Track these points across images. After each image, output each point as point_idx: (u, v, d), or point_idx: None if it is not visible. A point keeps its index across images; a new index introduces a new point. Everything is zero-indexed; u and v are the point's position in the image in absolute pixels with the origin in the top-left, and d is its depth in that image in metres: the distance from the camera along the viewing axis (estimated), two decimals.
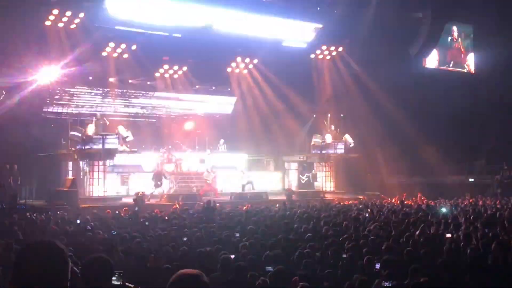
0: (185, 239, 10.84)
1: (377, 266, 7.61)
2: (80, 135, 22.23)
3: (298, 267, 7.79)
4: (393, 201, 23.62)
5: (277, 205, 20.35)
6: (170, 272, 7.24)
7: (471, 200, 22.95)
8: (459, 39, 34.74)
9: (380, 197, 25.77)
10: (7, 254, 8.38)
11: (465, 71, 35.01)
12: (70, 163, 24.07)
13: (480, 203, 21.60)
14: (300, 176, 28.11)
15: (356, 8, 26.48)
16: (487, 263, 7.88)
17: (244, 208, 18.68)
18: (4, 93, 22.52)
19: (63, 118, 25.72)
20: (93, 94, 27.14)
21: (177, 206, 19.45)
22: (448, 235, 10.83)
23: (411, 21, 28.71)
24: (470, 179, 30.63)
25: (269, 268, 7.55)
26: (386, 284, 6.75)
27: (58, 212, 17.25)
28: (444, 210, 18.05)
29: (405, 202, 21.40)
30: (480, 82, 32.40)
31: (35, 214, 16.06)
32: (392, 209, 17.80)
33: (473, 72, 34.79)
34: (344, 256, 8.70)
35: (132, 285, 5.47)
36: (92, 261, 3.76)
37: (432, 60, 33.04)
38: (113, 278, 4.05)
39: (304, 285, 6.35)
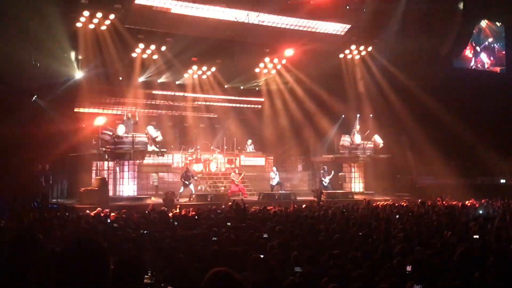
0: (214, 238, 10.86)
1: (408, 268, 7.51)
2: (110, 135, 22.48)
3: (327, 268, 7.75)
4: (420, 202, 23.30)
5: (303, 206, 20.26)
6: (199, 272, 7.29)
7: (502, 201, 22.48)
8: (491, 39, 34.20)
9: (410, 200, 25.43)
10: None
11: (498, 70, 34.44)
12: (101, 163, 24.34)
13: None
14: (322, 179, 27.89)
15: (385, 7, 26.22)
16: None
17: (272, 209, 18.58)
18: None
19: (94, 118, 26.02)
20: (123, 94, 27.43)
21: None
22: (476, 236, 10.62)
23: (442, 20, 28.31)
24: (502, 180, 30.12)
25: (298, 269, 7.52)
26: (417, 287, 6.66)
27: (88, 212, 17.45)
28: (481, 211, 17.79)
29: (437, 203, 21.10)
30: (510, 81, 31.82)
31: (67, 213, 16.30)
32: (423, 211, 17.58)
33: (505, 71, 34.20)
34: (374, 257, 8.62)
35: (163, 285, 5.52)
36: (125, 261, 3.79)
37: (463, 59, 32.62)
38: (145, 277, 4.09)
39: (333, 286, 6.31)
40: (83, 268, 2.56)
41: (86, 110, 26.67)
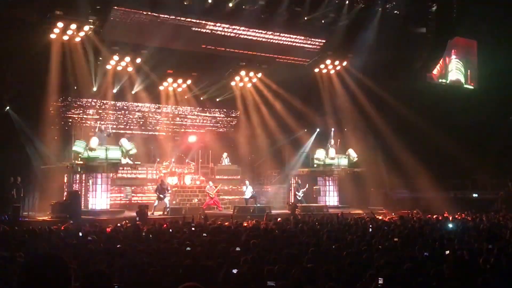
0: (188, 248, 10.81)
1: (380, 281, 7.54)
2: (83, 147, 22.24)
3: (300, 282, 7.72)
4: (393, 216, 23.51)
5: (278, 219, 20.24)
6: (173, 286, 7.21)
7: (474, 216, 22.78)
8: (462, 54, 34.85)
9: (385, 212, 25.63)
10: (11, 267, 8.33)
11: (469, 86, 35.06)
12: (73, 176, 24.04)
13: (484, 218, 21.44)
14: (296, 193, 28.00)
15: (359, 23, 26.52)
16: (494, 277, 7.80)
17: (245, 224, 18.49)
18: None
19: (67, 130, 25.76)
20: (96, 107, 27.21)
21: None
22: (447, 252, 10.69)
23: (415, 36, 28.76)
24: (474, 195, 30.53)
25: (271, 283, 7.48)
26: None
27: (59, 225, 17.18)
28: (450, 225, 17.96)
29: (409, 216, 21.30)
30: (483, 96, 32.39)
31: (39, 227, 16.04)
32: (394, 224, 17.70)
33: (476, 86, 34.82)
34: (347, 270, 8.63)
35: None
36: (91, 275, 3.74)
37: (435, 74, 33.16)
38: None
39: None
40: (44, 284, 2.51)
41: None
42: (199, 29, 24.60)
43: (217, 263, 9.00)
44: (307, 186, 28.18)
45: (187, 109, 30.01)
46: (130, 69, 25.69)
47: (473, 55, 35.16)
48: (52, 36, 22.42)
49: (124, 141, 23.37)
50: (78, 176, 23.76)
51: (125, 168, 24.49)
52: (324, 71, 29.52)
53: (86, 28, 22.66)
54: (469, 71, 35.01)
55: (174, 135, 30.11)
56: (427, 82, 32.13)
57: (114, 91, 26.96)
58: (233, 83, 29.55)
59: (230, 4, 23.86)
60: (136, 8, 22.71)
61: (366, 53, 27.06)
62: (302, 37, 27.05)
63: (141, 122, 29.08)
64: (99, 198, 22.73)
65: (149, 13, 22.94)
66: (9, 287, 7.23)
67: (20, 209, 20.09)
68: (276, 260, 9.49)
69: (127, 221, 18.42)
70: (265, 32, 25.94)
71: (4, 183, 21.74)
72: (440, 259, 9.86)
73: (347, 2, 26.01)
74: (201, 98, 29.73)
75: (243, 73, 29.04)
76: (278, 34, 26.22)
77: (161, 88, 28.38)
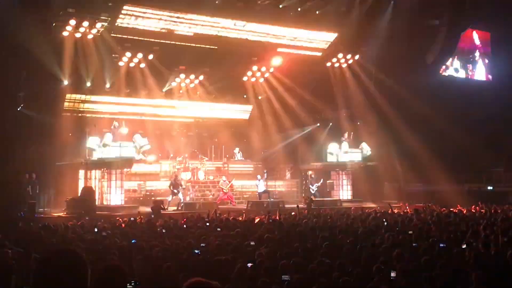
0: (202, 244, 10.84)
1: (393, 274, 7.53)
2: (98, 143, 22.34)
3: (315, 276, 7.73)
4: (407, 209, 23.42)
5: (292, 213, 20.23)
6: (186, 280, 7.25)
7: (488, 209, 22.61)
8: (477, 48, 34.53)
9: (400, 205, 25.50)
10: (26, 263, 8.42)
11: (483, 79, 34.76)
12: (88, 172, 24.19)
13: (499, 211, 21.28)
14: (310, 186, 27.96)
15: (371, 16, 26.38)
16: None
17: (257, 220, 18.43)
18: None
19: (81, 127, 25.91)
20: (110, 103, 27.31)
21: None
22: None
23: (428, 29, 28.54)
24: (489, 188, 30.32)
25: (286, 277, 7.49)
26: None
27: (75, 221, 17.31)
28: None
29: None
30: (497, 89, 32.10)
31: (55, 223, 16.16)
32: (409, 217, 17.62)
33: (491, 79, 34.51)
34: (361, 264, 8.63)
35: None
36: (106, 270, 3.77)
37: (448, 68, 32.91)
38: (129, 286, 4.05)
39: None
40: (60, 279, 2.53)
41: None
42: (211, 24, 24.60)
43: (232, 258, 9.03)
44: (322, 181, 28.14)
45: (199, 104, 30.00)
46: (142, 65, 25.75)
47: (487, 47, 34.83)
48: (65, 33, 22.54)
49: (137, 137, 23.51)
50: (92, 172, 23.90)
51: (139, 164, 24.60)
52: (336, 65, 29.36)
53: (99, 25, 22.75)
54: (483, 63, 34.69)
55: (187, 130, 30.16)
56: (440, 75, 31.88)
57: (127, 87, 27.05)
58: (245, 78, 29.52)
59: None
60: (147, 4, 22.75)
61: (379, 46, 26.90)
62: (314, 31, 26.94)
63: (154, 118, 29.13)
64: (114, 194, 22.89)
65: (160, 11, 23.01)
66: (26, 283, 7.31)
67: (35, 206, 20.27)
68: (291, 254, 9.50)
69: (141, 216, 18.50)
70: (277, 26, 25.87)
71: (20, 180, 21.90)
72: (456, 252, 9.82)
73: None
74: (213, 94, 29.73)
75: (255, 68, 29.01)
76: (290, 28, 26.13)
77: (173, 84, 28.40)
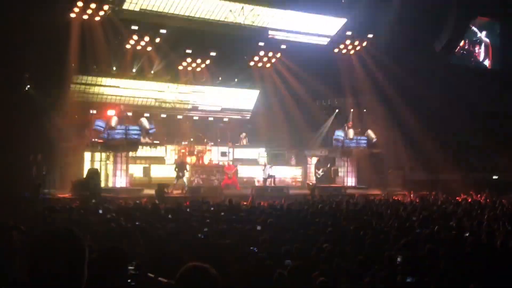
0: (206, 229, 10.85)
1: (399, 259, 7.52)
2: (103, 126, 22.37)
3: (317, 262, 7.73)
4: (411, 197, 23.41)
5: (296, 199, 20.24)
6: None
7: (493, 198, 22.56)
8: (485, 35, 34.24)
9: (405, 193, 25.48)
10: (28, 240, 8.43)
11: (491, 67, 34.52)
12: (94, 154, 24.25)
13: (504, 201, 21.21)
14: (316, 170, 28.00)
15: (380, 1, 26.18)
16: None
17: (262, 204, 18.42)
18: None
19: (87, 109, 25.96)
20: (116, 86, 27.29)
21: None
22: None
23: (437, 15, 28.32)
24: (494, 176, 30.21)
25: (288, 262, 7.50)
26: (409, 280, 6.67)
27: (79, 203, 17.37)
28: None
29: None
30: (505, 77, 31.89)
31: (59, 204, 16.22)
32: (414, 205, 17.61)
33: (500, 67, 34.27)
34: (364, 251, 8.62)
35: (152, 275, 5.49)
36: (108, 251, 3.77)
37: (457, 55, 32.70)
38: (130, 268, 4.06)
39: (323, 280, 6.29)
40: (54, 258, 2.51)
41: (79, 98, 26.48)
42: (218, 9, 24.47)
43: (235, 242, 9.06)
44: (328, 165, 28.15)
45: (206, 88, 29.94)
46: (149, 48, 25.68)
47: (496, 36, 34.54)
48: (72, 15, 22.49)
49: (144, 120, 23.51)
50: (98, 154, 23.93)
51: (144, 147, 24.63)
52: (344, 51, 29.23)
53: (106, 7, 22.68)
54: (492, 52, 34.43)
55: (193, 114, 30.14)
56: (448, 63, 31.65)
57: (134, 70, 27.03)
58: (252, 63, 29.41)
59: None
60: None
61: (387, 33, 26.72)
62: (322, 17, 26.76)
63: (160, 102, 29.13)
64: (119, 176, 22.94)
65: None
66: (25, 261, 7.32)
67: (40, 187, 20.31)
68: (294, 239, 9.51)
69: (146, 199, 18.54)
70: (285, 11, 25.71)
71: (25, 161, 21.94)
72: (459, 241, 9.80)
73: None
74: (220, 78, 29.65)
75: (262, 53, 28.88)
76: (297, 13, 25.98)
77: (180, 68, 28.34)
